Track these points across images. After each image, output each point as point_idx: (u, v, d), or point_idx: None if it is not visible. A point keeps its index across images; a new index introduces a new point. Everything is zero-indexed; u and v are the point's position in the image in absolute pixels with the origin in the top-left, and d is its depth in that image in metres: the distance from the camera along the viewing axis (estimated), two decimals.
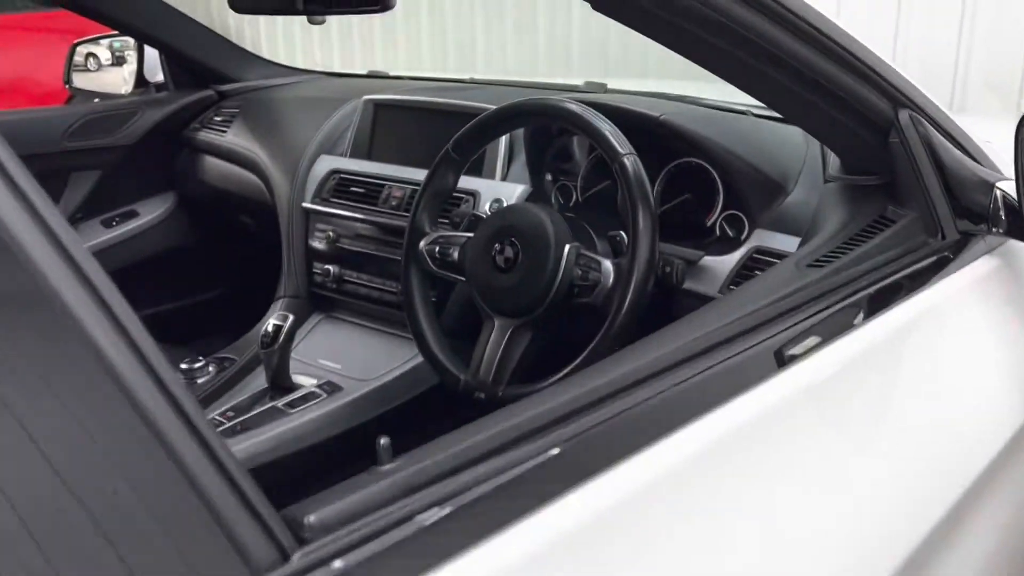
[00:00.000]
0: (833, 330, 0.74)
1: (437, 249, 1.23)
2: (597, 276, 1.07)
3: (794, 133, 1.27)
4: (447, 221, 1.34)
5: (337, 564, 0.41)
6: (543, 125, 1.39)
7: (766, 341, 0.67)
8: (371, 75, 2.16)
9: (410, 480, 0.47)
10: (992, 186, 0.93)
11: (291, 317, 1.33)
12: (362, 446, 1.40)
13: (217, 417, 1.30)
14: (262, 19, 4.95)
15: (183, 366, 1.41)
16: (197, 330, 2.03)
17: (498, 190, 1.42)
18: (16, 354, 0.36)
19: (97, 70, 2.23)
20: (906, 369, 0.80)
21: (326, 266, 1.59)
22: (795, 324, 0.71)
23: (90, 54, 2.19)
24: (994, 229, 0.94)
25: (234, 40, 2.10)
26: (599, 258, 1.09)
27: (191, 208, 2.07)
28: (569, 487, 0.50)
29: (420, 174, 1.48)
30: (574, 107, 1.12)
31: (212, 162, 1.96)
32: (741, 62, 0.84)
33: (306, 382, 1.40)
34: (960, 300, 0.91)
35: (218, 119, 1.96)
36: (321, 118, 1.73)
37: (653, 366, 0.61)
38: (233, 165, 1.89)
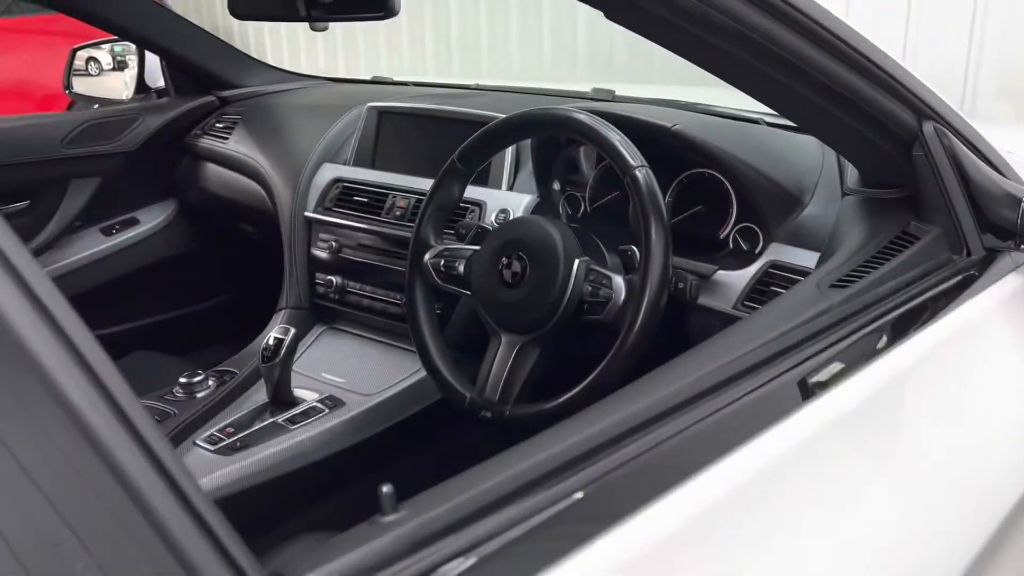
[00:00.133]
0: (859, 357, 0.71)
1: (442, 262, 1.20)
2: (608, 292, 1.04)
3: (809, 143, 1.24)
4: (452, 232, 1.30)
5: None
6: (552, 136, 1.36)
7: (790, 371, 0.63)
8: (375, 81, 2.12)
9: (417, 532, 0.43)
10: (1020, 200, 0.90)
11: (292, 330, 1.30)
12: (365, 463, 1.38)
13: (216, 433, 1.27)
14: (266, 23, 4.92)
15: (182, 380, 1.37)
16: (197, 340, 2.01)
17: (504, 200, 1.39)
18: None
19: (98, 75, 2.20)
20: (933, 397, 0.77)
21: (329, 277, 1.56)
22: (820, 352, 0.67)
23: (91, 58, 2.16)
24: (1022, 245, 0.91)
25: (239, 44, 2.07)
26: (610, 274, 1.05)
27: (192, 216, 2.04)
28: (595, 534, 0.46)
29: (425, 183, 1.45)
30: (584, 117, 1.08)
31: (213, 169, 1.93)
32: (760, 72, 0.80)
33: (308, 396, 1.37)
34: (987, 320, 0.88)
35: (219, 126, 1.93)
36: (324, 125, 1.70)
37: (674, 398, 0.57)
38: (234, 173, 1.86)
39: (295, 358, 1.36)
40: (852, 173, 1.09)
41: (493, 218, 1.37)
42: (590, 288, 1.05)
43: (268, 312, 1.65)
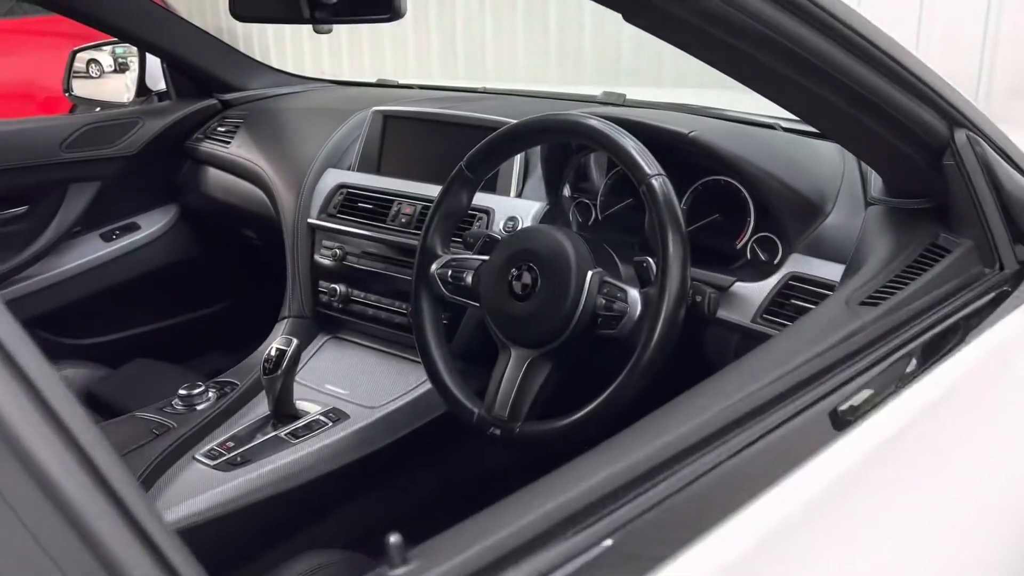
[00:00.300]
0: (891, 383, 0.67)
1: (450, 273, 1.16)
2: (623, 306, 1.00)
3: (830, 149, 1.19)
4: (459, 240, 1.26)
5: None
6: (563, 142, 1.32)
7: (822, 400, 0.59)
8: (380, 84, 2.09)
9: None
10: None
11: (295, 341, 1.26)
12: (369, 478, 1.34)
13: (216, 447, 1.23)
14: (270, 27, 4.90)
15: (181, 391, 1.33)
16: (198, 347, 1.98)
17: (513, 208, 1.35)
18: None
19: (99, 77, 2.17)
20: (969, 424, 0.72)
21: (332, 285, 1.52)
22: (852, 379, 0.63)
23: (92, 60, 2.13)
24: None
25: (243, 46, 2.04)
26: (624, 286, 1.01)
27: (193, 221, 2.01)
28: None
29: (431, 189, 1.42)
30: (597, 124, 1.04)
31: (215, 174, 1.89)
32: (785, 77, 0.76)
33: (311, 409, 1.33)
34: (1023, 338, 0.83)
35: (221, 129, 1.90)
36: (328, 129, 1.66)
37: (704, 429, 0.53)
38: (236, 177, 1.82)
39: (297, 369, 1.32)
40: (876, 182, 1.05)
41: (501, 226, 1.33)
42: (604, 301, 1.01)
43: (270, 320, 1.62)
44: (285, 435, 1.27)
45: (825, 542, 0.54)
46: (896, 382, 0.69)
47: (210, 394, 1.36)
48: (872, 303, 0.76)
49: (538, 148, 1.36)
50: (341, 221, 1.52)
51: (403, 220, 1.45)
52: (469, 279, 1.14)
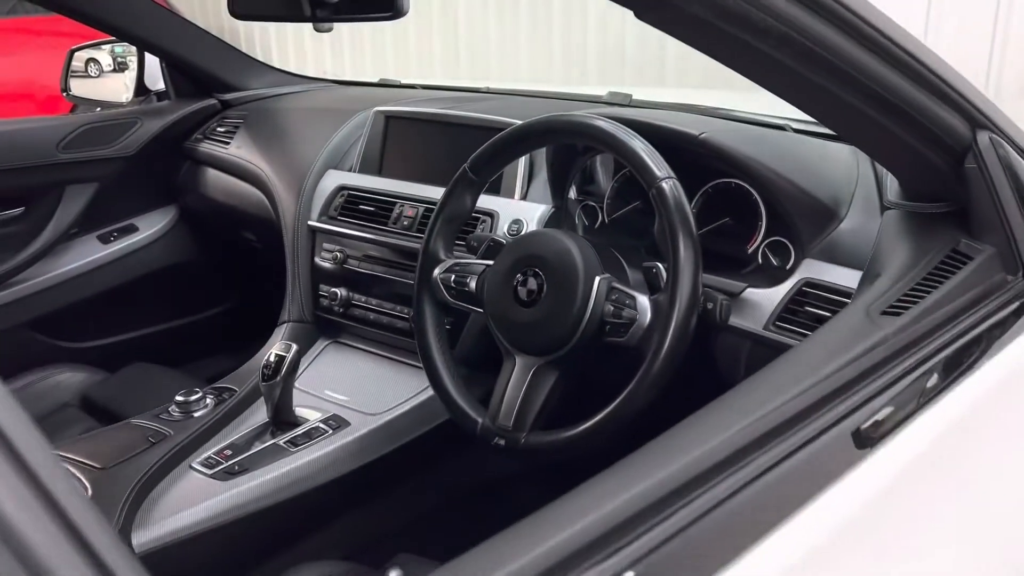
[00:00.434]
0: (915, 399, 0.64)
1: (453, 278, 1.13)
2: (632, 314, 0.97)
3: (843, 151, 1.16)
4: (463, 244, 1.23)
5: None
6: (570, 143, 1.29)
7: (845, 420, 0.56)
8: (382, 83, 2.06)
9: None
10: None
11: (294, 347, 1.24)
12: (370, 487, 1.31)
13: (214, 456, 1.20)
14: (272, 25, 4.87)
15: (178, 398, 1.30)
16: (197, 351, 1.95)
17: (517, 210, 1.32)
18: None
19: (98, 76, 2.14)
20: (995, 441, 0.69)
21: (333, 289, 1.50)
22: (876, 395, 0.60)
23: (91, 60, 2.10)
24: None
25: (244, 46, 2.01)
26: (633, 293, 0.98)
27: (192, 223, 1.98)
28: None
29: (434, 191, 1.39)
30: (606, 125, 1.01)
31: (214, 175, 1.87)
32: (804, 78, 0.73)
33: (310, 416, 1.30)
34: None
35: (221, 130, 1.87)
36: (329, 130, 1.64)
37: (722, 450, 0.50)
38: (236, 179, 1.80)
39: (297, 375, 1.29)
40: (891, 185, 1.02)
41: (506, 229, 1.30)
42: (612, 308, 0.98)
43: (270, 323, 1.59)
44: (284, 443, 1.24)
45: (853, 571, 0.51)
46: (919, 397, 0.66)
47: (208, 401, 1.33)
48: (894, 312, 0.73)
49: (543, 150, 1.33)
50: (342, 223, 1.49)
51: (405, 223, 1.42)
52: (473, 284, 1.11)
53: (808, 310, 1.02)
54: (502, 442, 1.03)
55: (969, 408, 0.67)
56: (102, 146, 1.81)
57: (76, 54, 2.03)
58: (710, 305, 0.97)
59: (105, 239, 1.88)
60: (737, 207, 1.17)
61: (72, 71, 2.02)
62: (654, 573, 0.41)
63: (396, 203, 1.45)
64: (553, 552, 0.41)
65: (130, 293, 1.90)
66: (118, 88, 2.03)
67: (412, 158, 1.51)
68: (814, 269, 1.04)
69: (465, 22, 4.20)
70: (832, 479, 0.52)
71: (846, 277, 1.00)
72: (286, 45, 4.98)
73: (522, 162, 1.35)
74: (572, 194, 1.36)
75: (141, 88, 1.95)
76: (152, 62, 1.93)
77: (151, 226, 1.94)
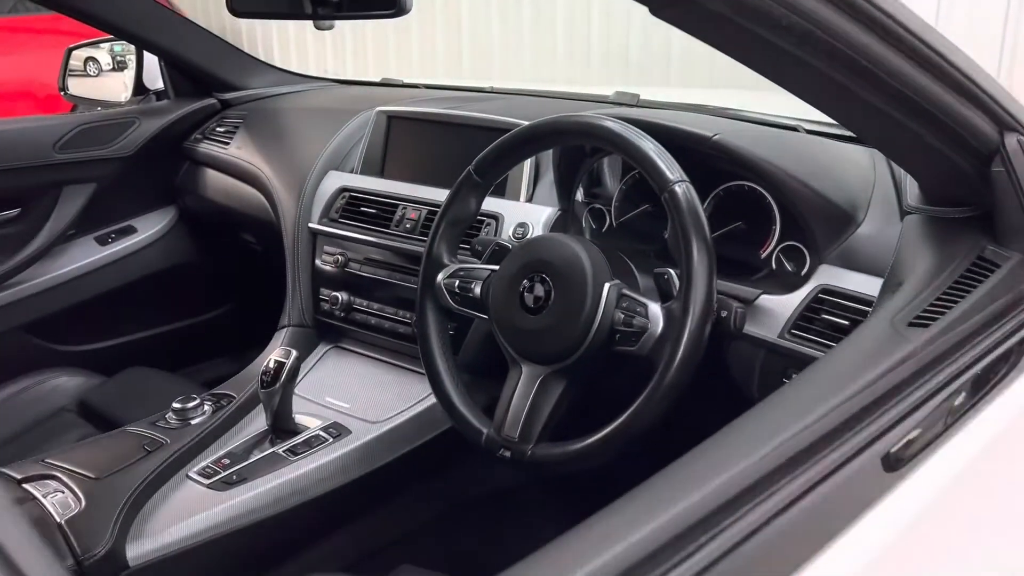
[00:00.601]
0: (944, 417, 0.60)
1: (457, 283, 1.09)
2: (643, 322, 0.93)
3: (859, 153, 1.13)
4: (467, 247, 1.20)
5: None
6: (578, 145, 1.26)
7: (875, 443, 0.53)
8: (384, 83, 2.03)
9: None
10: None
11: (294, 353, 1.20)
12: (372, 497, 1.28)
13: (211, 465, 1.17)
14: (274, 24, 4.85)
15: (176, 405, 1.27)
16: (196, 354, 1.92)
17: (523, 213, 1.29)
18: None
19: (97, 75, 2.11)
20: None
21: (334, 293, 1.47)
22: (906, 415, 0.57)
23: (89, 58, 2.07)
24: None
25: (245, 46, 1.98)
26: (644, 300, 0.95)
27: (191, 225, 1.95)
28: None
29: (437, 193, 1.36)
30: (615, 126, 0.98)
31: (213, 176, 1.84)
32: (826, 77, 0.70)
33: (311, 424, 1.27)
34: None
35: (220, 130, 1.84)
36: (330, 130, 1.61)
37: (747, 477, 0.47)
38: (235, 180, 1.77)
39: (297, 381, 1.26)
40: (911, 188, 0.98)
41: (511, 232, 1.27)
42: (622, 316, 0.95)
43: (269, 326, 1.56)
44: (283, 452, 1.21)
45: None
46: (946, 416, 0.62)
47: (205, 408, 1.30)
48: (921, 324, 0.69)
49: (549, 151, 1.30)
50: (343, 226, 1.46)
51: (408, 225, 1.39)
52: (477, 290, 1.08)
53: (825, 318, 0.98)
54: (508, 454, 1.00)
55: (1004, 427, 0.64)
56: (100, 146, 1.79)
57: (74, 53, 2.01)
58: (724, 313, 0.94)
59: (103, 241, 1.86)
60: (749, 211, 1.14)
61: (70, 70, 2.00)
62: None
63: (399, 205, 1.42)
64: None
65: (128, 296, 1.87)
66: (117, 87, 2.00)
67: (415, 159, 1.48)
68: (831, 275, 1.01)
69: (468, 20, 4.17)
70: (863, 508, 0.48)
71: (865, 284, 0.96)
72: (287, 44, 4.95)
73: (528, 164, 1.31)
74: (579, 196, 1.33)
75: (140, 87, 1.93)
76: (151, 61, 1.90)
77: (149, 228, 1.91)
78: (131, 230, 1.90)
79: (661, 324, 0.92)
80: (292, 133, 1.73)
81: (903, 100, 0.73)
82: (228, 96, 1.91)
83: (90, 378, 1.60)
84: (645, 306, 0.94)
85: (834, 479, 0.49)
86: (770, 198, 1.11)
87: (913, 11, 0.70)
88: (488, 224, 1.30)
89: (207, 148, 1.84)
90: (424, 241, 1.18)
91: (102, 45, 2.03)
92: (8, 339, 1.71)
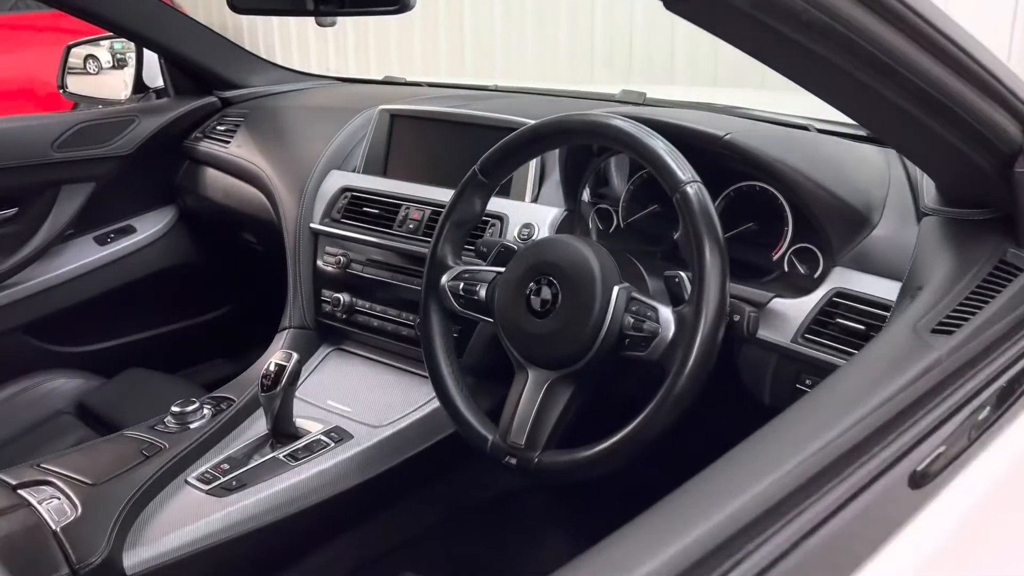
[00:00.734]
0: (971, 431, 0.58)
1: (461, 286, 1.07)
2: (653, 326, 0.91)
3: (873, 153, 1.11)
4: (471, 249, 1.18)
5: None
6: (586, 144, 1.23)
7: (901, 461, 0.50)
8: (386, 81, 2.00)
9: None
10: None
11: (295, 356, 1.18)
12: (374, 503, 1.26)
13: (210, 470, 1.15)
14: (275, 22, 4.83)
15: (175, 409, 1.25)
16: (195, 355, 1.90)
17: (529, 214, 1.27)
18: None
19: (97, 73, 2.09)
20: None
21: (336, 294, 1.44)
22: (933, 430, 0.54)
23: (89, 56, 2.05)
24: None
25: (247, 44, 1.96)
26: (655, 304, 0.92)
27: (191, 224, 1.93)
28: None
29: (441, 193, 1.34)
30: (625, 125, 0.95)
31: (214, 175, 1.81)
32: (843, 73, 0.67)
33: (312, 428, 1.25)
34: None
35: (221, 128, 1.82)
36: (332, 129, 1.58)
37: (769, 498, 0.44)
38: (236, 179, 1.74)
39: (297, 385, 1.24)
40: (928, 189, 0.96)
41: (516, 233, 1.25)
42: (632, 320, 0.92)
43: (270, 328, 1.54)
44: (284, 457, 1.18)
45: None
46: (971, 430, 0.60)
47: (205, 411, 1.27)
48: (945, 330, 0.67)
49: (556, 151, 1.28)
50: (345, 226, 1.44)
51: (411, 226, 1.37)
52: (483, 293, 1.05)
53: (840, 322, 0.96)
54: (514, 461, 0.97)
55: None
56: (99, 145, 1.76)
57: (74, 50, 1.98)
58: (736, 317, 0.92)
59: (102, 240, 1.83)
60: (761, 212, 1.11)
61: (70, 68, 1.97)
62: None
63: (402, 205, 1.39)
64: None
65: (127, 296, 1.85)
66: (116, 85, 1.97)
67: (418, 159, 1.46)
68: (845, 278, 0.98)
69: (471, 18, 4.14)
70: (893, 529, 0.46)
71: (881, 287, 0.94)
72: (289, 41, 4.93)
73: (533, 163, 1.29)
74: (586, 196, 1.30)
75: (140, 85, 1.90)
76: (151, 58, 1.88)
77: (149, 227, 1.89)
78: (130, 230, 1.88)
79: (672, 328, 0.90)
80: (293, 132, 1.71)
81: (924, 98, 0.71)
82: (229, 94, 1.89)
83: (88, 380, 1.58)
84: (656, 310, 0.92)
85: (862, 498, 0.46)
86: (782, 199, 1.09)
87: (936, 5, 0.67)
88: (493, 225, 1.28)
89: (207, 147, 1.81)
90: (427, 242, 1.16)
91: (102, 43, 2.01)
92: (6, 340, 1.69)
